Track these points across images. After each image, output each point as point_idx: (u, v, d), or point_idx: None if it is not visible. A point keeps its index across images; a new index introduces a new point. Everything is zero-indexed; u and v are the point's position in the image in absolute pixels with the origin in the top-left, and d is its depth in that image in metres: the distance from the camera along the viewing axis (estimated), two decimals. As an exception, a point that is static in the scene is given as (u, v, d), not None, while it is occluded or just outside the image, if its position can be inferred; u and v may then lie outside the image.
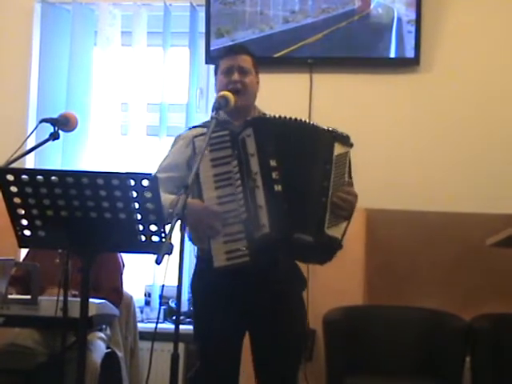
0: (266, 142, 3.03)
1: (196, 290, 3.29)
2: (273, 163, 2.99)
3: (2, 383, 4.16)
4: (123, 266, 4.46)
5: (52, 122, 3.12)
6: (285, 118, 3.08)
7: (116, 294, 4.28)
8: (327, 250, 3.08)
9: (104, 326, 4.24)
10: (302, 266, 3.29)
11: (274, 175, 2.98)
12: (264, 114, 3.24)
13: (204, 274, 3.20)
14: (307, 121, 3.14)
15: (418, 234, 4.76)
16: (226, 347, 3.17)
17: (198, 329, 3.26)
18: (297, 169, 3.03)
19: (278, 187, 2.98)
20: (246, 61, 3.25)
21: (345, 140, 3.11)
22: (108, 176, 2.75)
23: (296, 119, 3.09)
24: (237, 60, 3.24)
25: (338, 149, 3.07)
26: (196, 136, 3.11)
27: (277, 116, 3.10)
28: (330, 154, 3.05)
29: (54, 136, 3.12)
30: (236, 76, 3.21)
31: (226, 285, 3.08)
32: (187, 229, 2.98)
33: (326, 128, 3.11)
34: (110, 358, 4.25)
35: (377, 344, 4.43)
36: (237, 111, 3.16)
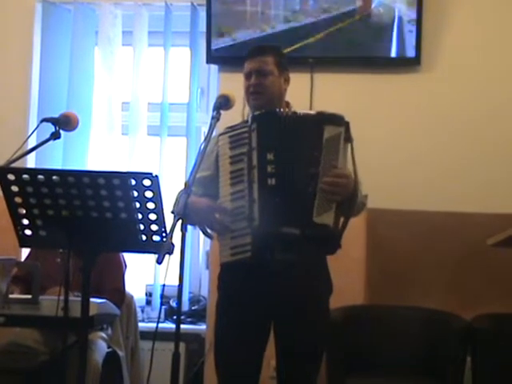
0: (267, 136, 3.05)
1: (222, 287, 3.25)
2: (270, 157, 3.02)
3: (3, 383, 4.16)
4: (125, 266, 4.47)
5: (53, 121, 3.12)
6: (294, 113, 3.11)
7: (118, 294, 4.28)
8: (322, 239, 3.04)
9: (105, 326, 4.24)
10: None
11: (270, 169, 3.01)
12: (295, 112, 3.20)
13: (231, 272, 3.18)
14: (298, 112, 3.12)
15: (418, 234, 4.76)
16: (249, 346, 3.15)
17: (221, 328, 3.21)
18: (292, 162, 3.03)
19: (271, 181, 3.00)
20: (265, 62, 3.24)
21: (336, 120, 3.06)
22: (109, 175, 2.76)
23: (293, 113, 3.11)
24: (255, 63, 3.25)
25: (328, 131, 3.02)
26: (220, 134, 3.16)
27: (290, 111, 3.14)
28: (318, 139, 3.01)
29: (55, 135, 3.12)
30: (253, 79, 3.22)
31: (251, 284, 3.08)
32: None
33: (313, 113, 3.09)
34: (111, 358, 4.26)
35: (377, 344, 4.42)
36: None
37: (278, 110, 3.16)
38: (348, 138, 3.08)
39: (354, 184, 3.06)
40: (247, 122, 3.16)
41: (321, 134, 3.02)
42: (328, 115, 3.07)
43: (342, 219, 3.09)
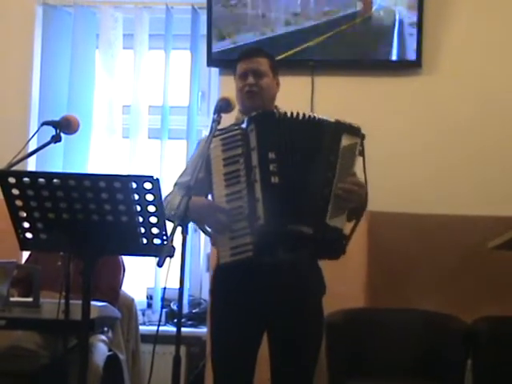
0: (267, 135, 3.05)
1: (217, 288, 3.27)
2: (271, 155, 3.01)
3: (4, 386, 4.16)
4: (124, 269, 4.47)
5: (54, 124, 3.12)
6: (291, 114, 3.09)
7: (112, 293, 4.28)
8: (332, 241, 3.05)
9: (106, 329, 4.23)
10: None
11: (272, 167, 3.00)
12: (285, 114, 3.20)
13: (225, 273, 3.18)
14: (315, 115, 3.12)
15: (419, 237, 4.76)
16: (244, 346, 3.16)
17: (216, 330, 3.24)
18: (297, 161, 3.03)
19: (274, 179, 2.99)
20: (261, 63, 3.25)
21: (354, 131, 3.10)
22: (110, 178, 2.76)
23: (303, 114, 3.09)
24: (252, 63, 3.25)
25: (345, 140, 3.06)
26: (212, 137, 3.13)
27: (284, 112, 3.12)
28: (335, 146, 3.04)
29: (56, 139, 3.12)
30: (251, 79, 3.22)
31: (246, 284, 3.09)
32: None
33: (332, 120, 3.10)
34: (112, 361, 4.26)
35: (378, 347, 4.41)
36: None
37: (275, 110, 3.18)
38: (361, 152, 3.12)
39: (366, 194, 3.12)
40: (238, 124, 3.15)
41: (338, 141, 3.05)
42: (346, 124, 3.10)
43: (350, 226, 3.12)
